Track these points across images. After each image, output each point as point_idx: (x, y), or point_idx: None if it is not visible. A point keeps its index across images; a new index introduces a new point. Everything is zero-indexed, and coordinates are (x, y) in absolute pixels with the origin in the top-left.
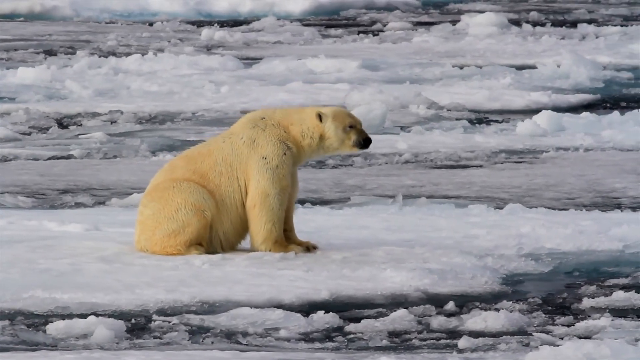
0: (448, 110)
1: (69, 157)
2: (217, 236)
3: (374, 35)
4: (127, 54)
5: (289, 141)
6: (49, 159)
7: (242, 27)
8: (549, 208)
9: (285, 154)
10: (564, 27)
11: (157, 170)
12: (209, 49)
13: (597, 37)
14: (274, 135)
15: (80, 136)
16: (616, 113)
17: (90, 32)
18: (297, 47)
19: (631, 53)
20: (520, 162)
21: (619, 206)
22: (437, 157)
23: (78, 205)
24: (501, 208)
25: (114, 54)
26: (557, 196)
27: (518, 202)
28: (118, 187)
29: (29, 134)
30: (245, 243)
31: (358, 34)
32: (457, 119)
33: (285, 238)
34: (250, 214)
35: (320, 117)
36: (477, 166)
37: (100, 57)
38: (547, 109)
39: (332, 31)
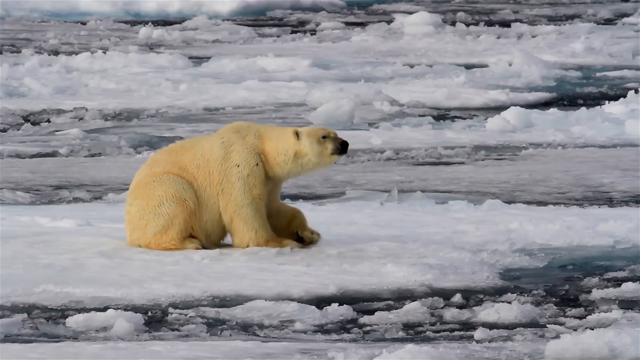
0: (409, 107)
1: (53, 154)
2: (201, 228)
3: (312, 34)
4: (71, 53)
5: (263, 154)
6: (35, 156)
7: (176, 25)
8: (540, 202)
9: (257, 164)
10: (497, 26)
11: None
12: (151, 47)
13: (533, 37)
14: (251, 145)
15: (56, 133)
16: (583, 109)
17: (27, 31)
18: (239, 46)
19: (573, 52)
20: (502, 159)
21: (610, 200)
22: (419, 154)
23: (76, 200)
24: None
25: (56, 52)
26: (548, 191)
27: (509, 197)
28: (110, 183)
29: (4, 131)
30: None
31: (295, 33)
32: (420, 115)
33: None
34: (230, 228)
35: (297, 134)
36: (459, 163)
37: (50, 55)
38: (506, 107)
39: (267, 30)
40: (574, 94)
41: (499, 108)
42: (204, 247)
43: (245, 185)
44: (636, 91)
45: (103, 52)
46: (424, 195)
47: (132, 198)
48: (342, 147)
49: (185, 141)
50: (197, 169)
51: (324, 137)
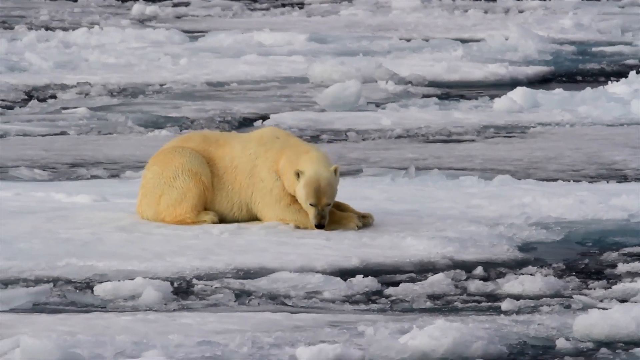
0: (409, 82)
1: (62, 133)
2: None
3: (300, 8)
4: (65, 29)
5: (277, 172)
6: (44, 136)
7: (167, 2)
8: (556, 180)
9: (277, 179)
10: (482, 0)
11: (154, 144)
12: (143, 23)
13: (520, 12)
14: (270, 161)
15: (63, 111)
16: (588, 89)
17: (19, 8)
18: (230, 20)
19: (562, 28)
20: (512, 137)
21: (625, 178)
22: (429, 131)
23: (94, 177)
24: (518, 179)
25: (50, 28)
26: (561, 168)
27: (524, 174)
28: (125, 160)
29: (10, 108)
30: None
31: (284, 7)
32: (425, 95)
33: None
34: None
35: (298, 175)
36: (470, 140)
37: (47, 30)
38: (506, 81)
39: (257, 5)
40: (572, 69)
41: (499, 82)
42: (220, 220)
43: (271, 198)
44: (637, 71)
45: (100, 28)
46: (441, 173)
47: (151, 164)
48: (316, 226)
49: (220, 134)
50: (224, 169)
51: (311, 204)
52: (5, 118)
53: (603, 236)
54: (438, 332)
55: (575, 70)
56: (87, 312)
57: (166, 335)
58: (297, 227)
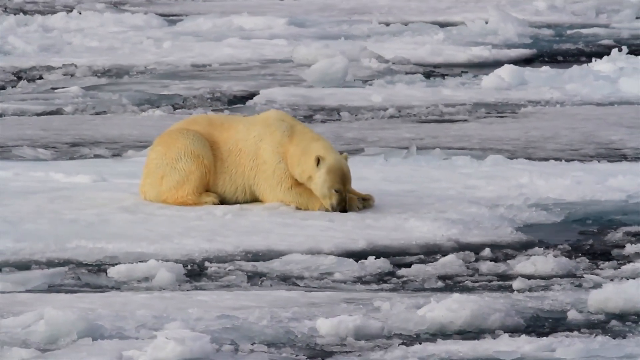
0: (395, 63)
1: (58, 112)
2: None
3: None
4: (37, 12)
5: (284, 155)
6: (40, 114)
7: None
8: (557, 159)
9: (280, 161)
10: None
11: (150, 124)
12: (116, 6)
13: None
14: (277, 143)
15: (55, 91)
16: (575, 67)
17: None
18: (202, 4)
19: (537, 10)
20: (504, 116)
21: (625, 157)
22: (420, 111)
23: (97, 157)
24: (510, 159)
25: (25, 11)
26: (560, 147)
27: (524, 154)
28: (124, 140)
29: (3, 88)
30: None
31: None
32: (408, 73)
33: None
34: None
35: (318, 161)
36: (463, 120)
37: (25, 14)
38: (490, 64)
39: None
40: (554, 53)
41: (483, 64)
42: (221, 202)
43: (273, 180)
44: (619, 49)
45: (78, 12)
46: (443, 152)
47: (156, 144)
48: (340, 210)
49: (226, 118)
50: (228, 152)
51: (336, 190)
52: (0, 98)
53: (604, 217)
54: (456, 304)
55: (557, 53)
56: (103, 291)
57: (185, 310)
58: (298, 209)
